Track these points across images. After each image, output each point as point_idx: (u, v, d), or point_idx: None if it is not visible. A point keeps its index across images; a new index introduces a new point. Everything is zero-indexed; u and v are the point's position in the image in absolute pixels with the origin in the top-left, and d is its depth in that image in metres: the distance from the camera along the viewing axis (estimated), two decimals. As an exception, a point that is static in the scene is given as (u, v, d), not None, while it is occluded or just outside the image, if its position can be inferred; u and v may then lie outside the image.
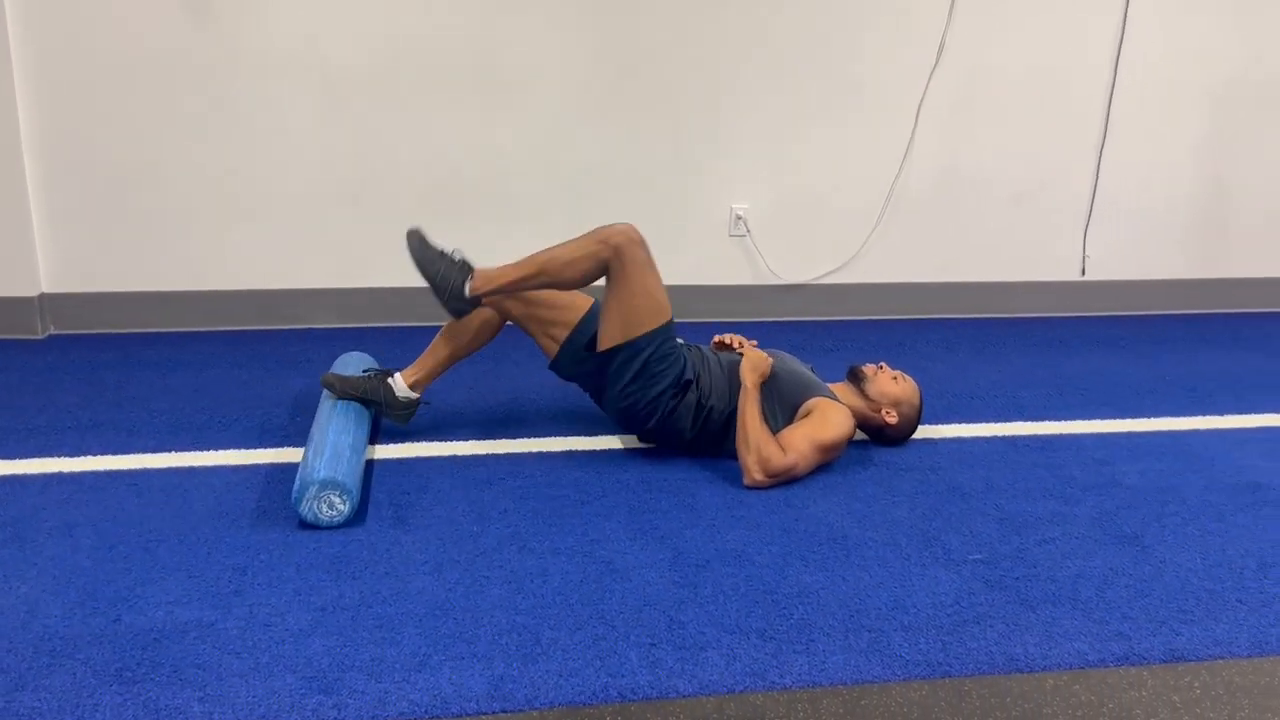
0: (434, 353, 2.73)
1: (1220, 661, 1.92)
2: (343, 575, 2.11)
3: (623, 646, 1.90)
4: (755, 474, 2.52)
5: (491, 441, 2.77)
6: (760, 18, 3.62)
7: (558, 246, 2.54)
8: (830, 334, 3.86)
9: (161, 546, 2.19)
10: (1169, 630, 2.01)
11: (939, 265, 4.05)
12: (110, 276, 3.50)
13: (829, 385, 2.77)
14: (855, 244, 3.94)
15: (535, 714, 1.71)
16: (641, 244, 2.52)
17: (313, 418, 2.72)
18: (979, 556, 2.27)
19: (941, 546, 2.31)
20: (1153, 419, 3.11)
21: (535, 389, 3.17)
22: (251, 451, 2.67)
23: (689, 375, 2.60)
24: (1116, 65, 3.91)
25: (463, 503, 2.43)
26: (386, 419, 2.76)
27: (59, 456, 2.59)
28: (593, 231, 2.53)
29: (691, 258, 3.82)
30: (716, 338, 2.87)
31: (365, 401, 2.67)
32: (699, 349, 2.74)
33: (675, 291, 3.36)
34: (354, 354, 3.01)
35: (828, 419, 2.61)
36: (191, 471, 2.55)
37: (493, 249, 3.63)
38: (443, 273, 2.50)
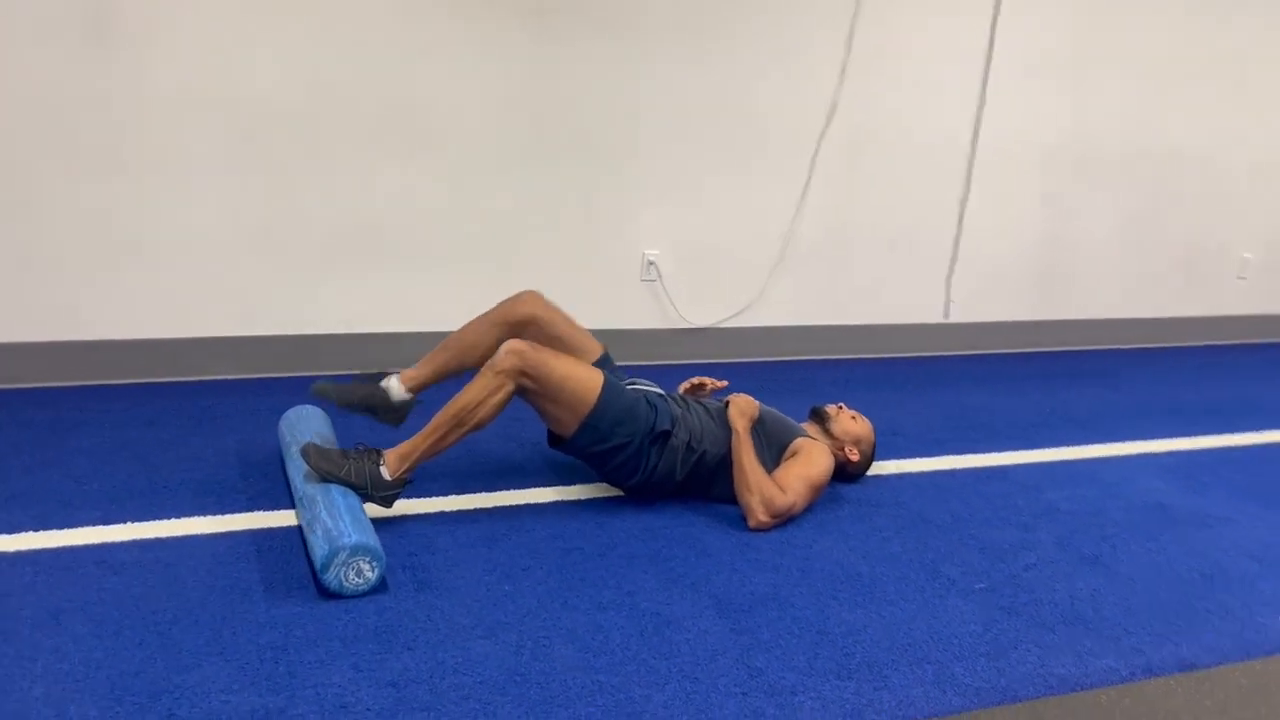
0: (436, 360, 2.68)
1: (1223, 667, 2.16)
2: (395, 646, 1.99)
3: (717, 698, 1.91)
4: (761, 516, 2.58)
5: (477, 495, 2.69)
6: (670, 73, 3.73)
7: (460, 395, 2.43)
8: (733, 376, 3.97)
9: (175, 628, 1.99)
10: (1170, 642, 2.25)
11: (828, 309, 4.28)
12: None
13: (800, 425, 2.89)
14: (755, 289, 4.10)
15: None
16: (530, 349, 2.44)
17: (271, 477, 2.56)
18: (983, 585, 2.44)
19: (945, 577, 2.46)
20: (1055, 449, 3.43)
21: (498, 438, 3.09)
22: (223, 518, 2.45)
23: (663, 425, 2.61)
24: (977, 129, 4.31)
25: (478, 562, 2.35)
26: (381, 423, 2.63)
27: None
28: (486, 367, 2.44)
29: (605, 303, 3.86)
30: (685, 383, 2.93)
31: (365, 409, 2.57)
32: (673, 397, 2.77)
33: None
34: (307, 407, 2.83)
35: (814, 459, 2.72)
36: (163, 543, 2.32)
37: (404, 298, 3.54)
38: (354, 470, 2.36)
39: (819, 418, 2.93)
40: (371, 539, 2.15)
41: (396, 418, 2.62)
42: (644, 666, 1.99)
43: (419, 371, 2.65)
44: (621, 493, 2.78)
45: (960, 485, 3.05)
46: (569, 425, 2.55)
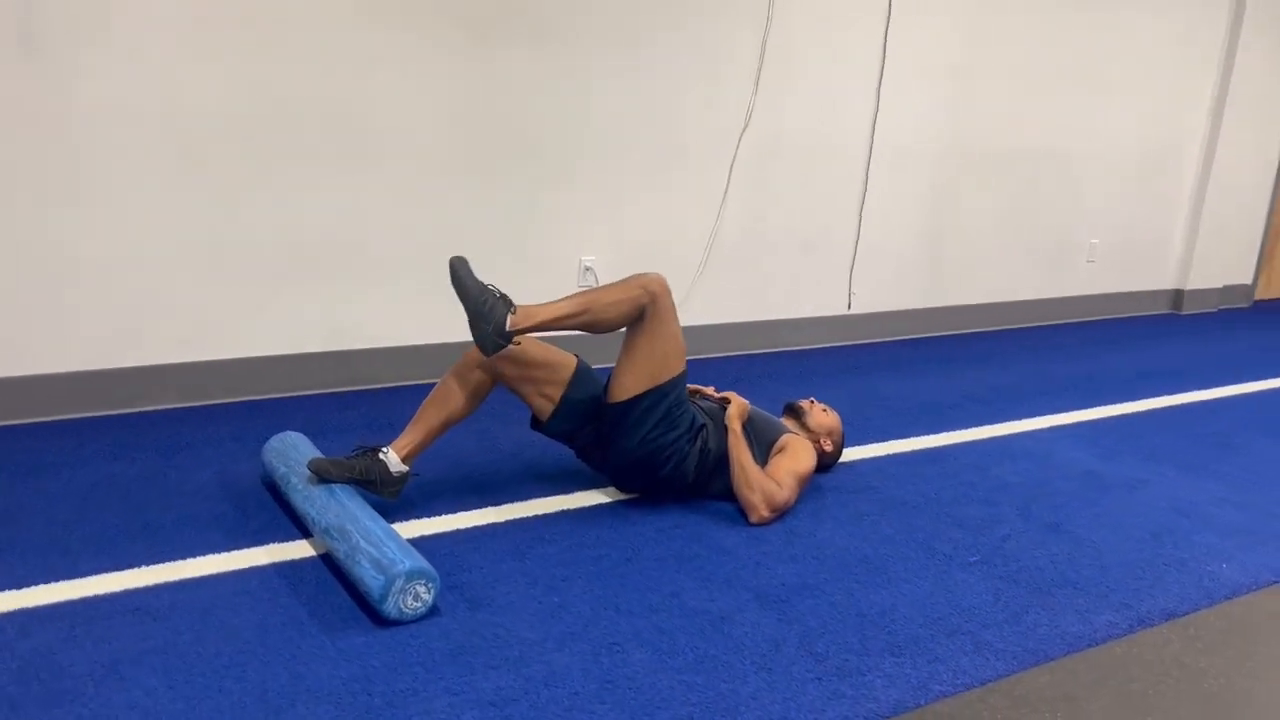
0: (425, 421, 2.62)
1: (1199, 613, 2.45)
2: (478, 667, 2.01)
3: (797, 685, 2.03)
4: (763, 511, 2.72)
5: (485, 511, 2.71)
6: (603, 84, 3.81)
7: (599, 289, 2.59)
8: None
9: (248, 670, 1.94)
10: (1148, 595, 2.51)
11: (746, 306, 4.46)
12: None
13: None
14: (682, 290, 4.23)
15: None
16: (670, 294, 2.64)
17: (267, 508, 2.56)
18: (976, 558, 2.65)
19: (941, 554, 2.66)
20: (978, 428, 3.71)
21: (480, 450, 3.09)
22: (237, 554, 2.38)
23: (701, 421, 2.74)
24: (873, 133, 4.59)
25: (516, 576, 2.38)
26: (377, 496, 2.59)
27: (-2, 591, 2.15)
28: (631, 278, 2.60)
29: (544, 310, 3.90)
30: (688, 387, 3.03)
31: (362, 482, 2.50)
32: (693, 397, 2.87)
33: None
34: (290, 434, 2.76)
35: (800, 454, 2.87)
36: (190, 585, 2.24)
37: (354, 314, 3.49)
38: (490, 305, 2.45)
39: (794, 413, 3.09)
40: (423, 562, 2.15)
41: (394, 491, 2.56)
42: (718, 663, 2.08)
43: (410, 440, 2.59)
44: (622, 495, 2.85)
45: (913, 468, 3.27)
46: (638, 384, 2.62)
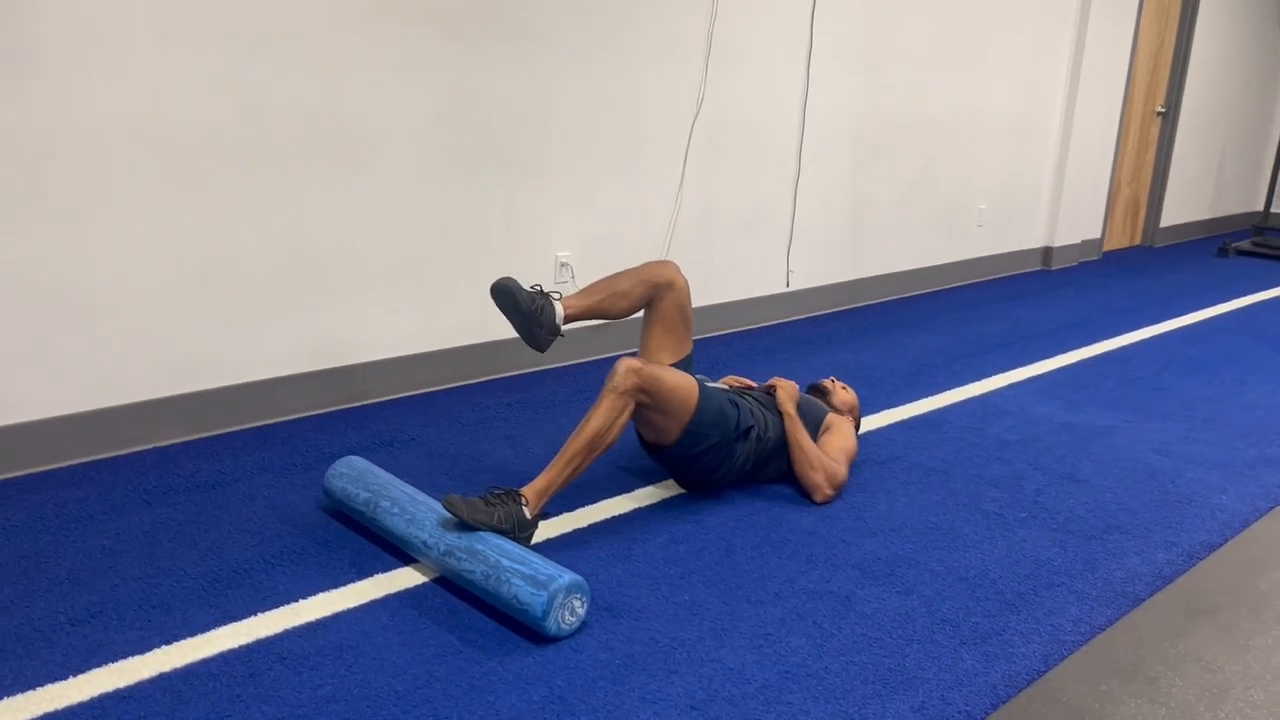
0: (596, 293, 2.74)
1: (1228, 544, 2.73)
2: (657, 672, 2.03)
3: (951, 650, 2.15)
4: (827, 490, 2.83)
5: (560, 519, 2.69)
6: (570, 79, 3.79)
7: (586, 424, 2.47)
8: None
9: (438, 705, 1.90)
10: (1180, 531, 2.78)
11: (703, 290, 4.55)
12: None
13: (810, 403, 3.15)
14: (648, 279, 4.27)
15: None
16: (643, 365, 2.53)
17: (344, 537, 2.47)
18: (1025, 514, 2.86)
19: (993, 514, 2.85)
20: (949, 392, 3.95)
21: (521, 459, 3.06)
22: (348, 590, 2.30)
23: (746, 422, 2.79)
24: (804, 115, 4.75)
25: (635, 579, 2.40)
26: (528, 340, 2.64)
27: (114, 661, 1.99)
28: (606, 388, 2.50)
29: (524, 309, 3.87)
30: (728, 380, 3.09)
31: (533, 317, 2.59)
32: (737, 391, 2.91)
33: (505, 345, 3.76)
34: (354, 459, 2.66)
35: (847, 431, 3.00)
36: (319, 627, 2.14)
37: (349, 327, 3.37)
38: (502, 515, 2.33)
39: (819, 393, 3.20)
40: (576, 575, 2.15)
41: (548, 341, 2.63)
42: (870, 640, 2.18)
43: (577, 304, 2.69)
44: (678, 489, 2.89)
45: (916, 434, 3.46)
46: (672, 433, 2.64)
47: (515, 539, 2.34)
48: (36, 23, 2.62)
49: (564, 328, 2.70)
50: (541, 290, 2.66)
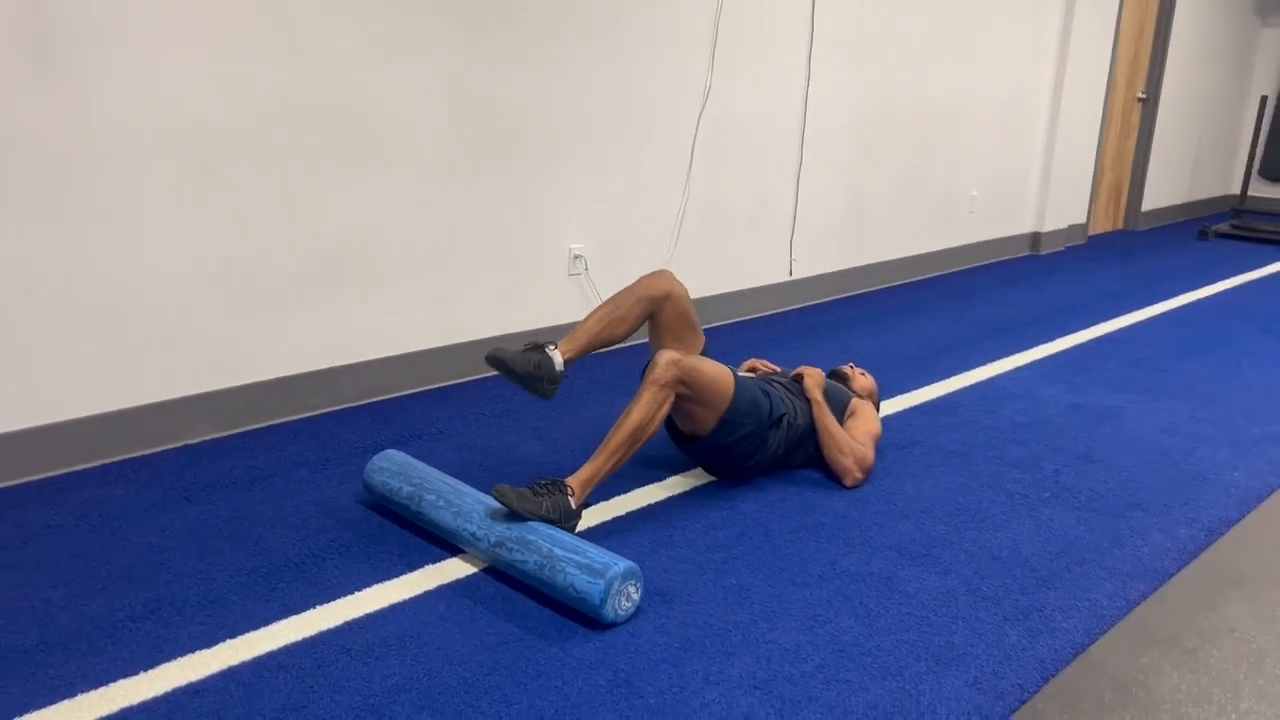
0: (588, 330, 2.72)
1: (1248, 518, 2.81)
2: (715, 654, 2.08)
3: (995, 626, 2.21)
4: (857, 474, 2.89)
5: (597, 508, 2.72)
6: (580, 72, 3.81)
7: (628, 416, 2.52)
8: (640, 353, 4.20)
9: (508, 692, 1.93)
10: (1199, 507, 2.86)
11: (706, 280, 4.60)
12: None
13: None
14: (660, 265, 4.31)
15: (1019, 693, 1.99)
16: (683, 357, 2.58)
17: (388, 530, 2.51)
18: (1048, 494, 2.93)
19: (1017, 494, 2.92)
20: (957, 376, 4.02)
21: (550, 450, 3.09)
22: (400, 581, 2.32)
23: (779, 410, 2.84)
24: (805, 105, 4.80)
25: (681, 565, 2.44)
26: (533, 393, 2.63)
27: (181, 656, 2.02)
28: (648, 380, 2.55)
29: (536, 301, 3.90)
30: (749, 364, 3.13)
31: (532, 377, 2.58)
32: (765, 380, 2.96)
33: (525, 338, 3.78)
34: (392, 453, 2.69)
35: (871, 416, 3.06)
36: (377, 619, 2.17)
37: (370, 321, 3.38)
38: (549, 505, 2.37)
39: (839, 378, 3.26)
40: (630, 561, 2.19)
41: (553, 389, 2.62)
42: (917, 619, 2.24)
43: (573, 344, 2.68)
44: (710, 477, 2.94)
45: (930, 418, 3.53)
46: (709, 423, 2.69)
47: (562, 528, 2.38)
48: (65, 23, 2.62)
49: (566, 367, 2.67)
50: (536, 345, 2.62)
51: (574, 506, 2.43)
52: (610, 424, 2.59)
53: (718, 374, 2.65)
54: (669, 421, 2.82)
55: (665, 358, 2.55)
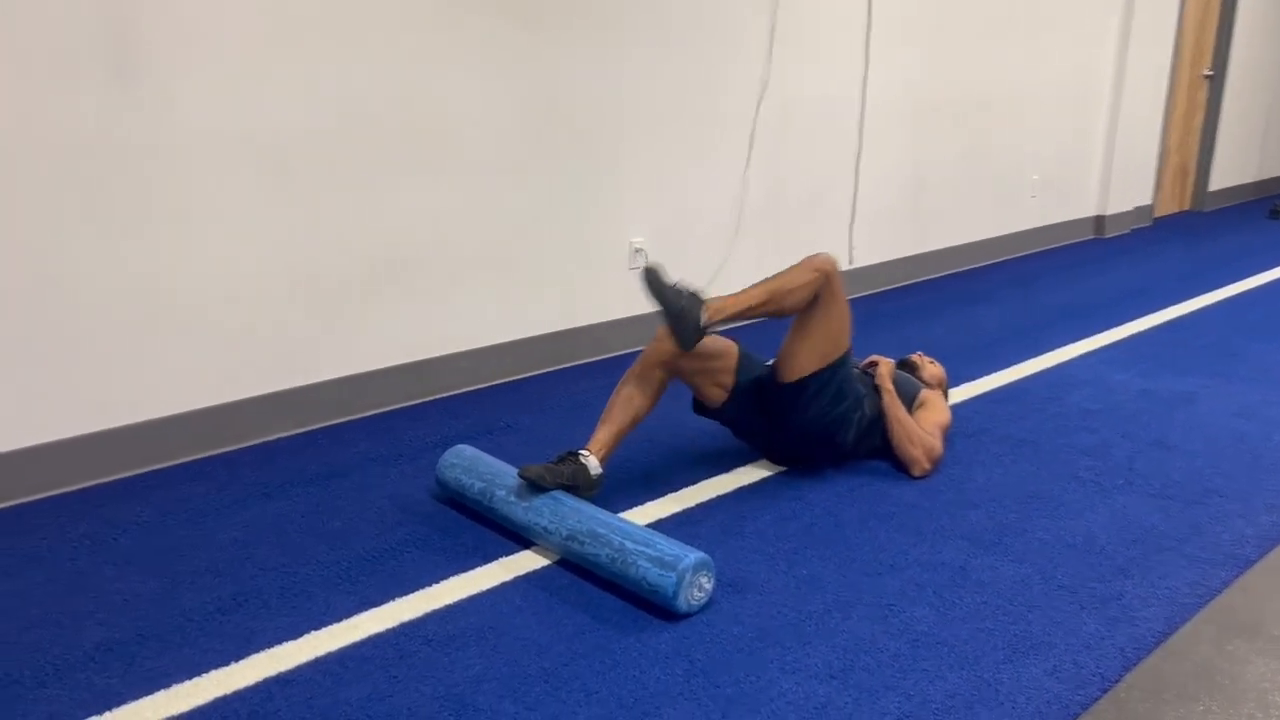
0: (614, 422, 2.66)
1: (1330, 502, 2.76)
2: (789, 645, 2.09)
3: (1073, 614, 2.20)
4: (925, 464, 2.87)
5: (664, 500, 2.74)
6: (640, 68, 3.83)
7: (777, 277, 2.66)
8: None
9: (587, 680, 1.96)
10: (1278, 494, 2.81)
11: (770, 267, 4.58)
12: None
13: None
14: (720, 257, 4.33)
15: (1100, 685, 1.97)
16: (840, 273, 2.71)
17: (464, 525, 2.57)
18: (1121, 481, 2.89)
19: (1090, 481, 2.88)
20: (1025, 363, 3.98)
21: (623, 444, 3.12)
22: (478, 572, 2.37)
23: (862, 391, 2.85)
24: (864, 91, 4.77)
25: (750, 555, 2.46)
26: (581, 498, 2.60)
27: (270, 647, 2.07)
28: (805, 261, 2.67)
29: (599, 294, 3.93)
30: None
31: (569, 487, 2.52)
32: None
33: (592, 330, 3.85)
34: (463, 448, 2.73)
35: (941, 406, 3.05)
36: (456, 611, 2.22)
37: (446, 317, 3.43)
38: (684, 306, 2.52)
39: (909, 368, 3.25)
40: (701, 553, 2.20)
41: (593, 493, 2.59)
42: (992, 608, 2.23)
43: (603, 442, 2.64)
44: (777, 468, 2.95)
45: (998, 406, 3.49)
46: (810, 362, 2.70)
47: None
48: (145, 34, 2.69)
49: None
50: (569, 454, 2.59)
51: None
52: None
53: (848, 314, 2.73)
54: (742, 393, 2.80)
55: (823, 255, 2.65)
